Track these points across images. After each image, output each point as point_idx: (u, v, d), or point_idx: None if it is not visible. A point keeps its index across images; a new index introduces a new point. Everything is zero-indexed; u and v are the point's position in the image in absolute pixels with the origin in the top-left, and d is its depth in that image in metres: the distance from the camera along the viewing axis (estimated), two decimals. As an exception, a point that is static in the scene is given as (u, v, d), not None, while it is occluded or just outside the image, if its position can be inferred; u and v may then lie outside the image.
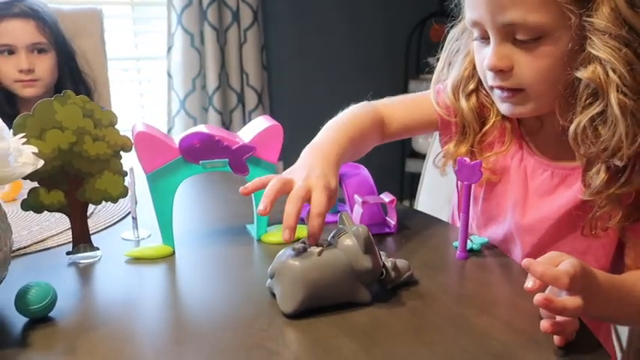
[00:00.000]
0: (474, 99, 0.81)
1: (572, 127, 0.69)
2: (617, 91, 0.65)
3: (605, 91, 0.66)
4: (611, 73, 0.65)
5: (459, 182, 0.70)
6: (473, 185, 0.72)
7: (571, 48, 0.68)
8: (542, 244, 0.77)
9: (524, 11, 0.66)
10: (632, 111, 0.65)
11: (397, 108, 0.89)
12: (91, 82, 1.54)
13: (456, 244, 0.74)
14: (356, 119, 0.84)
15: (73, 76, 1.48)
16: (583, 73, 0.67)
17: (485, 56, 0.72)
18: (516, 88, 0.72)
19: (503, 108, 0.76)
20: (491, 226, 0.84)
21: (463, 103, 0.81)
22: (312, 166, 0.70)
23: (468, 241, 0.73)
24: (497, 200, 0.82)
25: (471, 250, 0.74)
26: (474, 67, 0.79)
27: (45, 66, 1.41)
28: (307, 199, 0.65)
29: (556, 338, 0.53)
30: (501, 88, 0.73)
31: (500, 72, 0.71)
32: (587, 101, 0.68)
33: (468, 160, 0.70)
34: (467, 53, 0.81)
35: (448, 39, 0.84)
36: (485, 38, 0.73)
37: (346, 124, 0.82)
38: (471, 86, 0.81)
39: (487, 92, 0.80)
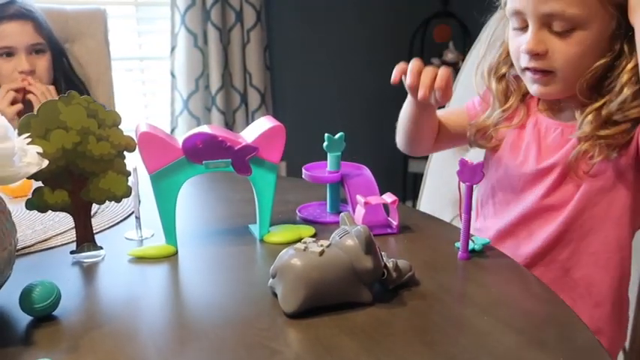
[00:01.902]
0: (504, 82, 0.93)
1: (614, 103, 0.78)
2: None
3: None
4: None
5: (460, 184, 0.71)
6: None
7: (603, 38, 0.77)
8: (554, 192, 0.85)
9: (564, 4, 0.75)
10: None
11: (445, 117, 1.02)
12: (83, 79, 1.54)
13: (458, 244, 0.74)
14: None
15: (67, 74, 1.49)
16: (620, 62, 0.78)
17: (520, 42, 0.82)
18: (548, 69, 0.81)
19: (534, 89, 0.86)
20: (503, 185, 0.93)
21: (494, 84, 0.93)
22: None
23: (470, 241, 0.74)
24: (514, 157, 0.91)
25: (473, 251, 0.74)
26: (507, 55, 0.90)
27: (44, 66, 1.42)
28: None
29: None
30: (535, 70, 0.83)
31: (535, 55, 0.80)
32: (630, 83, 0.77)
33: (470, 161, 0.71)
34: (502, 42, 0.92)
35: (488, 27, 0.95)
36: (522, 28, 0.82)
37: None
38: (503, 70, 0.92)
39: (513, 78, 0.92)
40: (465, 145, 1.02)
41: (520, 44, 0.82)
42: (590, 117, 0.80)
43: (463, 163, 0.71)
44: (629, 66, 0.77)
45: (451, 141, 1.04)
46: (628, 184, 0.83)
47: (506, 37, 0.90)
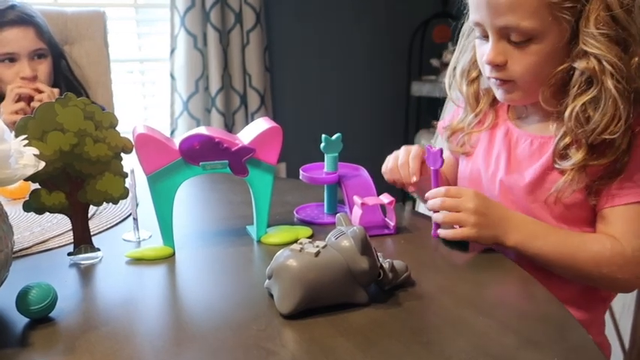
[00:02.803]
0: (475, 85, 0.94)
1: (567, 112, 0.79)
2: (612, 77, 0.75)
3: (599, 79, 0.76)
4: (605, 64, 0.75)
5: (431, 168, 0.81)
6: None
7: (560, 46, 0.78)
8: (521, 205, 0.85)
9: (518, 17, 0.76)
10: (624, 94, 0.75)
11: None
12: (82, 81, 1.55)
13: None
14: None
15: (66, 77, 1.49)
16: (579, 64, 0.77)
17: (483, 52, 0.84)
18: (508, 79, 0.83)
19: (498, 94, 0.87)
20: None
21: (465, 87, 0.95)
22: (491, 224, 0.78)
23: None
24: (486, 165, 0.92)
25: None
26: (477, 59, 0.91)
27: (46, 71, 1.42)
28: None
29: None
30: (496, 78, 0.84)
31: (496, 66, 0.82)
32: (582, 88, 0.78)
33: (433, 147, 0.80)
34: (473, 46, 0.92)
35: (461, 35, 0.95)
36: (485, 36, 0.83)
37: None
38: (473, 74, 0.94)
39: (483, 81, 0.93)
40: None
41: (483, 53, 0.84)
42: (574, 146, 0.79)
43: (428, 150, 0.81)
44: (586, 98, 0.77)
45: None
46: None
47: (474, 44, 0.91)
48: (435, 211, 0.80)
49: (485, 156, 0.92)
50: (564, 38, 0.77)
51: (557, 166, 0.81)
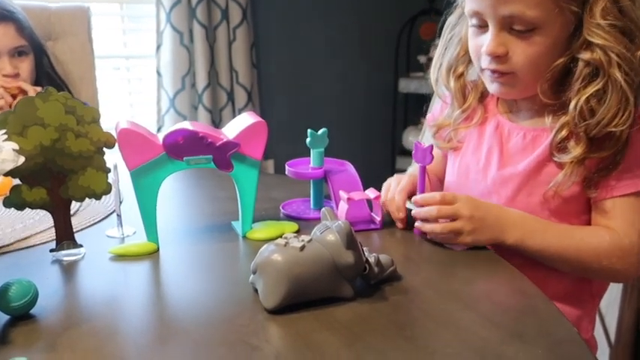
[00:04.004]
0: (461, 81, 0.91)
1: (571, 105, 0.77)
2: (620, 69, 0.73)
3: (606, 71, 0.74)
4: (611, 55, 0.74)
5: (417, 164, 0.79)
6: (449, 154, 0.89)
7: (563, 37, 0.77)
8: (516, 199, 0.84)
9: (524, 6, 0.74)
10: (632, 86, 0.74)
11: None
12: (65, 78, 1.52)
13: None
14: None
15: (48, 74, 1.46)
16: (584, 56, 0.76)
17: (481, 42, 0.81)
18: (508, 72, 0.80)
19: (493, 88, 0.85)
20: (463, 188, 0.92)
21: (452, 83, 0.91)
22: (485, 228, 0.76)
23: None
24: (476, 160, 0.90)
25: None
26: (465, 53, 0.89)
27: (28, 68, 1.38)
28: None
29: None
30: (495, 70, 0.81)
31: (496, 57, 0.79)
32: (586, 81, 0.76)
33: (422, 143, 0.78)
34: (459, 40, 0.90)
35: (445, 27, 0.93)
36: (481, 27, 0.81)
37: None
38: (460, 69, 0.91)
39: (471, 75, 0.91)
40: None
41: (480, 44, 0.81)
42: (573, 139, 0.78)
43: (416, 146, 0.78)
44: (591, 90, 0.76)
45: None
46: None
47: (463, 36, 0.88)
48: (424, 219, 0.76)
49: (475, 151, 0.91)
50: (568, 29, 0.76)
51: (555, 159, 0.80)
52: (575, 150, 0.77)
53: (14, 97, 1.33)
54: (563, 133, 0.78)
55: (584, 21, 0.75)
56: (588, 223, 0.83)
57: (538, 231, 0.78)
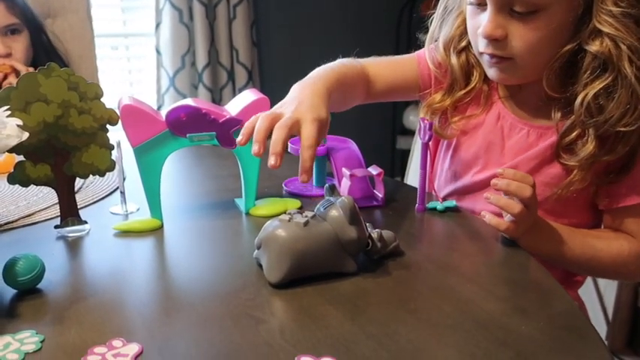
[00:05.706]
0: (463, 56, 0.83)
1: (577, 101, 0.72)
2: (630, 63, 0.68)
3: (615, 64, 0.68)
4: (622, 47, 0.68)
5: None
6: (443, 142, 0.87)
7: (569, 22, 0.70)
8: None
9: None
10: None
11: (382, 67, 0.93)
12: (65, 56, 1.50)
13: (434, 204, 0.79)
14: (344, 67, 0.86)
15: (47, 51, 1.44)
16: (591, 46, 0.70)
17: (479, 22, 0.75)
18: (506, 56, 0.74)
19: (491, 73, 0.79)
20: (459, 179, 0.88)
21: (454, 59, 0.83)
22: (301, 99, 0.69)
23: (437, 202, 0.79)
24: (473, 152, 0.85)
25: (434, 209, 0.78)
26: (466, 27, 0.81)
27: (21, 47, 1.34)
28: (296, 131, 0.64)
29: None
30: (493, 55, 0.75)
31: (493, 40, 0.73)
32: (594, 74, 0.71)
33: (425, 120, 0.74)
34: (459, 12, 0.83)
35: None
36: (481, 4, 0.74)
37: (334, 69, 0.83)
38: (463, 44, 0.83)
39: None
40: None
41: (478, 25, 0.74)
42: (582, 140, 0.73)
43: (420, 122, 0.76)
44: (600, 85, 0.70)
45: (392, 95, 0.95)
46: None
47: (464, 8, 0.81)
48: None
49: (474, 143, 0.85)
50: (575, 13, 0.70)
51: (562, 161, 0.75)
52: (584, 151, 0.72)
53: (5, 76, 1.31)
54: (574, 134, 0.73)
55: (595, 6, 0.69)
56: (583, 222, 0.80)
57: (564, 242, 0.73)
